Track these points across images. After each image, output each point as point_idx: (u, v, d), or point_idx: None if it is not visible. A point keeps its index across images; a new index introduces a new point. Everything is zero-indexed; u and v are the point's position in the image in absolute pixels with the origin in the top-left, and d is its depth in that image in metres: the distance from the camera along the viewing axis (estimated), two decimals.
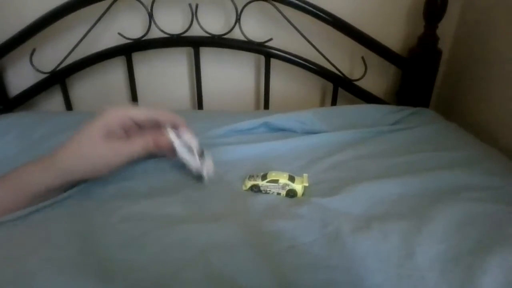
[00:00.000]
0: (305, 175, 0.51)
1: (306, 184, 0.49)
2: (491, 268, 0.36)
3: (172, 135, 0.49)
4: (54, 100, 0.89)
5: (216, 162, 0.53)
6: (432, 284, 0.35)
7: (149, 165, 0.54)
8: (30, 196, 0.45)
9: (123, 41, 0.80)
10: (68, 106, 0.87)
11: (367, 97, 0.87)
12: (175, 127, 0.51)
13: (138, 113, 0.50)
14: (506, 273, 0.36)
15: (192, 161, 0.49)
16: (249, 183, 0.50)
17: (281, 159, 0.58)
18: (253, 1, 0.77)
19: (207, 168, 0.50)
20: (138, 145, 0.48)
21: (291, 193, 0.49)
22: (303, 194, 0.49)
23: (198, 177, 0.50)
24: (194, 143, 0.50)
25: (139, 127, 0.51)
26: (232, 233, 0.42)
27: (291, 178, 0.50)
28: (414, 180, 0.53)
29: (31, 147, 0.62)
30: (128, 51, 0.81)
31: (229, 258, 0.38)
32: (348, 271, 0.37)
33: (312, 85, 0.92)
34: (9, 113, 0.77)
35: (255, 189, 0.50)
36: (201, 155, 0.50)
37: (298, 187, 0.49)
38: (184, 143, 0.49)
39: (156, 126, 0.51)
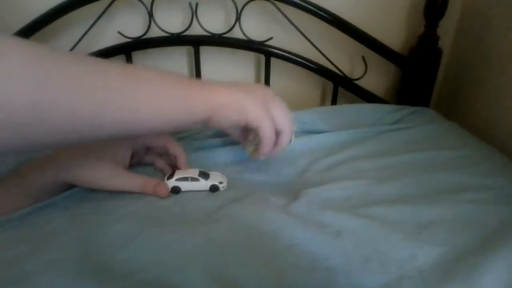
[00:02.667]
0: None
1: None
2: (494, 268, 0.36)
3: (171, 183, 0.49)
4: None
5: (215, 164, 0.53)
6: (434, 285, 0.35)
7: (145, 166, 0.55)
8: (31, 194, 0.45)
9: (123, 40, 0.79)
10: None
11: (367, 96, 0.87)
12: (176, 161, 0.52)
13: (154, 142, 0.52)
14: (509, 272, 0.36)
15: (196, 186, 0.50)
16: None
17: (281, 160, 0.58)
18: (253, 0, 0.76)
19: (218, 180, 0.50)
20: (137, 185, 0.48)
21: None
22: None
23: (212, 190, 0.50)
24: (192, 172, 0.50)
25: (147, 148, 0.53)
26: (230, 232, 0.42)
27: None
28: (414, 180, 0.53)
29: None
30: (128, 50, 0.81)
31: (228, 257, 0.38)
32: (347, 272, 0.37)
33: (312, 84, 0.92)
34: None
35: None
36: (205, 176, 0.50)
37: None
38: (183, 179, 0.49)
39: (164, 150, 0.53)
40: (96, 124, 0.35)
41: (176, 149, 0.52)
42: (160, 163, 0.55)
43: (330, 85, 0.88)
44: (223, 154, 0.58)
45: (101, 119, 0.35)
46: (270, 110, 0.46)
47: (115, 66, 0.37)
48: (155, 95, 0.38)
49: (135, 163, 0.53)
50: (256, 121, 0.45)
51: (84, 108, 0.33)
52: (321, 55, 0.81)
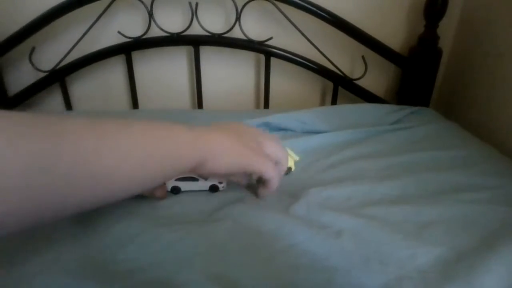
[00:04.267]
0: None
1: (297, 158, 0.54)
2: (494, 268, 0.36)
3: (170, 183, 0.49)
4: (54, 99, 0.89)
5: None
6: (434, 285, 0.35)
7: None
8: None
9: (123, 39, 0.80)
10: (68, 105, 0.86)
11: (367, 96, 0.87)
12: None
13: None
14: (509, 272, 0.36)
15: (196, 186, 0.49)
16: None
17: None
18: (253, 0, 0.76)
19: (217, 180, 0.50)
20: None
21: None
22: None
23: (212, 190, 0.50)
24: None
25: None
26: (229, 232, 0.42)
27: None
28: (414, 180, 0.53)
29: None
30: (128, 49, 0.81)
31: (228, 257, 0.38)
32: (347, 272, 0.37)
33: (312, 84, 0.92)
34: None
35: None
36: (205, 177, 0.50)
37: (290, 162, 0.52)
38: (183, 179, 0.49)
39: None
40: (63, 197, 0.30)
41: None
42: None
43: (330, 85, 0.88)
44: None
45: (70, 189, 0.30)
46: (263, 147, 0.45)
47: (85, 129, 0.32)
48: (134, 157, 0.34)
49: None
50: (258, 167, 0.43)
51: (50, 183, 0.28)
52: (321, 55, 0.81)
